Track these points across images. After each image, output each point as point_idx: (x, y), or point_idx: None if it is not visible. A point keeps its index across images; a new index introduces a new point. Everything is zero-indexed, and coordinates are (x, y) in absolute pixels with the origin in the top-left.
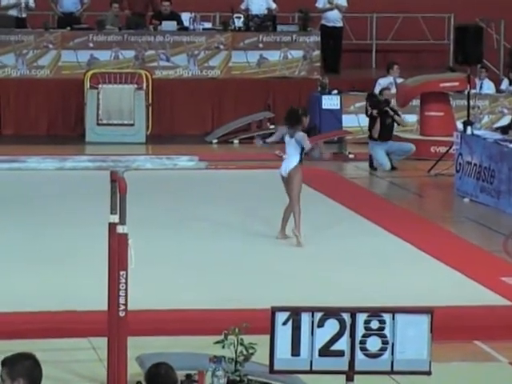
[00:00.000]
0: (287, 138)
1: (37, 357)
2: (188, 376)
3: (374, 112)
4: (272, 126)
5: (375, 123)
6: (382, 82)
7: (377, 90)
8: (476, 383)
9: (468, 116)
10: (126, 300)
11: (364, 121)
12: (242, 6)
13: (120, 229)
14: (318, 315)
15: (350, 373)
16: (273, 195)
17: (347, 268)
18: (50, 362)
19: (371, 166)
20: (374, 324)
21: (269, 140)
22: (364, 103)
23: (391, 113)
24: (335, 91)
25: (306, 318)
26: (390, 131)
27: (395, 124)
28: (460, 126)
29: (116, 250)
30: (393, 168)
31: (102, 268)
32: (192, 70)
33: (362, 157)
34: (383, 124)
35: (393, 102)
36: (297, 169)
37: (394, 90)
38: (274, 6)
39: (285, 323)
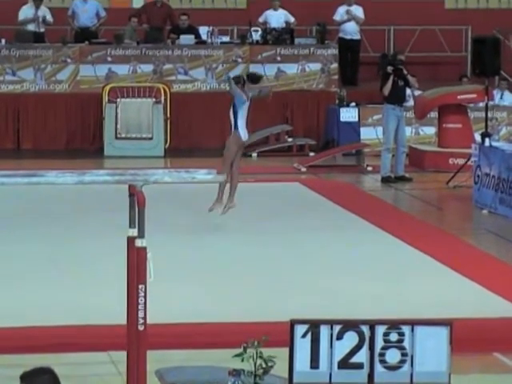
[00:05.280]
0: (247, 103)
1: (55, 371)
2: None
3: (389, 69)
4: (290, 139)
5: (387, 80)
6: None
7: None
8: None
9: (486, 128)
10: (145, 313)
11: (381, 133)
12: (260, 20)
13: (139, 242)
14: (337, 328)
15: None
16: (291, 207)
17: (366, 280)
18: (69, 376)
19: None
20: (393, 336)
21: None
22: (380, 116)
23: (405, 72)
24: (353, 104)
25: (324, 331)
26: (403, 94)
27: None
28: (478, 137)
29: (135, 263)
30: (408, 179)
31: (121, 282)
32: (210, 84)
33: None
34: (395, 84)
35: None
36: None
37: (411, 102)
38: (292, 19)
39: (304, 336)
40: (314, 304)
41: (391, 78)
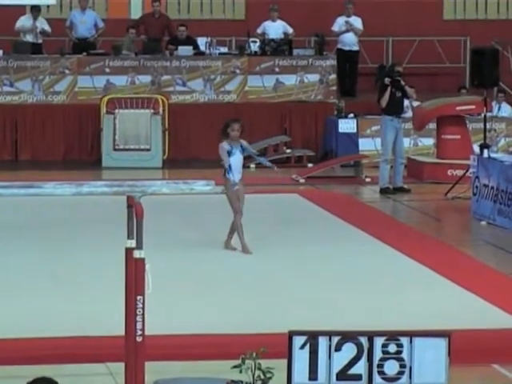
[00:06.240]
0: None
1: (58, 383)
2: None
3: (387, 80)
4: (288, 150)
5: (385, 92)
6: None
7: None
8: None
9: (484, 139)
10: (143, 325)
11: (380, 144)
12: (259, 31)
13: (137, 254)
14: (336, 339)
15: None
16: (289, 219)
17: (363, 291)
18: None
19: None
20: (392, 348)
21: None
22: (378, 127)
23: (403, 83)
24: (351, 115)
25: (323, 342)
26: (400, 105)
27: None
28: (476, 149)
29: (133, 274)
30: (406, 190)
31: (119, 293)
32: (208, 95)
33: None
34: (393, 96)
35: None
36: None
37: (410, 114)
38: (290, 30)
39: (302, 347)
40: (313, 316)
41: (388, 89)
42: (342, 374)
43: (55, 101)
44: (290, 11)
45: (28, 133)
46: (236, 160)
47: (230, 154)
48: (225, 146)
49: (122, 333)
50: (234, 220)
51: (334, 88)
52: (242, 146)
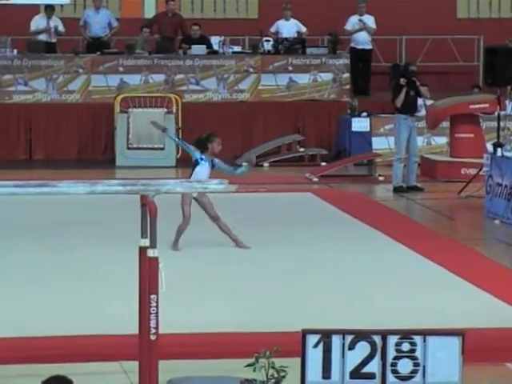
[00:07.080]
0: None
1: (74, 382)
2: None
3: (403, 81)
4: (302, 149)
5: (400, 92)
6: None
7: None
8: None
9: (498, 138)
10: (157, 323)
11: (393, 143)
12: (272, 29)
13: (150, 252)
14: (349, 338)
15: None
16: (303, 218)
17: (377, 290)
18: None
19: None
20: (405, 346)
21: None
22: (392, 125)
23: (418, 83)
24: (365, 113)
25: (336, 341)
26: (414, 104)
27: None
28: (490, 147)
29: (146, 273)
30: (420, 189)
31: (132, 291)
32: (222, 94)
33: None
34: (407, 95)
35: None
36: None
37: (423, 112)
38: (304, 29)
39: (316, 346)
40: (326, 314)
41: (404, 90)
42: (356, 373)
43: (69, 100)
44: (303, 10)
45: (42, 132)
46: (202, 170)
47: (197, 162)
48: (198, 152)
49: (136, 331)
50: (180, 224)
51: (348, 87)
52: (213, 163)
